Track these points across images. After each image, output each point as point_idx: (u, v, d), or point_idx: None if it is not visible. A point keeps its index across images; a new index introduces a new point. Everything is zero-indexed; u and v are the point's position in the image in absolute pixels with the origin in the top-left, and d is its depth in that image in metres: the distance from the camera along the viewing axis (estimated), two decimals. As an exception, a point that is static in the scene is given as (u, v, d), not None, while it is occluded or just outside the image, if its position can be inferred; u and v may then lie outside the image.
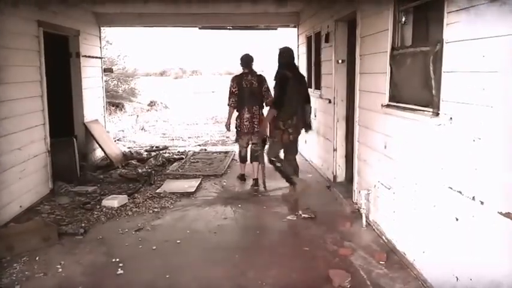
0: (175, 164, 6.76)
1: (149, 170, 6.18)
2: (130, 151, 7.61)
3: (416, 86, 2.89)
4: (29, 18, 4.67)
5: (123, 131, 10.84)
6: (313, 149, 6.44)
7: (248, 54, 5.16)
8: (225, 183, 5.58)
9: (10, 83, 4.22)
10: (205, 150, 8.17)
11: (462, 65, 2.39)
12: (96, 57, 7.04)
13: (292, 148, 4.66)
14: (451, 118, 2.47)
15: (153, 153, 7.58)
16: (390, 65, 3.27)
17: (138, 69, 22.12)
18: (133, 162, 6.79)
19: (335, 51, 4.91)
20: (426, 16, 3.18)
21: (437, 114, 2.60)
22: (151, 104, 18.11)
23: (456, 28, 2.42)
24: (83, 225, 3.97)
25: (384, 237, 3.48)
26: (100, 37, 7.29)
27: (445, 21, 2.51)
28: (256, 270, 3.06)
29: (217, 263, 3.21)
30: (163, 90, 22.28)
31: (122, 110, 15.78)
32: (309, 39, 6.59)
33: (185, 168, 6.49)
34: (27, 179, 4.50)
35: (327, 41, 5.27)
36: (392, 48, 3.25)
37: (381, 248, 3.35)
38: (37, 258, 3.31)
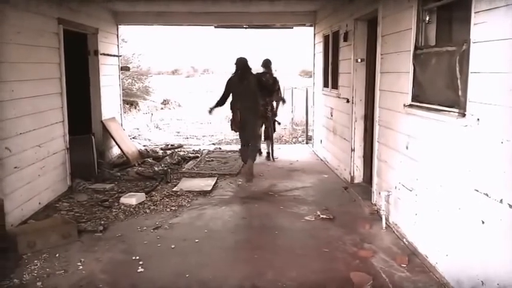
0: (190, 162, 6.79)
1: (165, 168, 6.22)
2: (146, 149, 7.67)
3: (442, 86, 2.83)
4: (50, 15, 4.73)
5: (137, 129, 10.93)
6: (329, 149, 6.39)
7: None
8: (240, 183, 5.58)
9: (31, 80, 4.28)
10: (220, 149, 8.19)
11: (490, 65, 2.33)
12: (114, 56, 7.10)
13: (246, 136, 5.65)
14: (478, 119, 2.41)
15: (168, 152, 7.63)
16: (413, 64, 3.20)
17: (151, 68, 22.30)
18: (149, 160, 6.85)
19: (354, 50, 4.85)
20: (451, 15, 3.12)
21: (464, 115, 2.54)
22: (165, 102, 18.25)
23: (484, 28, 2.36)
24: (102, 222, 4.00)
25: (404, 240, 3.43)
26: (117, 35, 7.36)
27: (473, 21, 2.45)
28: (276, 270, 3.04)
29: (237, 263, 3.20)
30: (176, 88, 22.43)
31: (135, 108, 15.93)
32: (326, 38, 6.53)
33: (200, 167, 6.51)
34: (46, 176, 4.57)
35: (345, 40, 5.21)
36: (416, 48, 3.19)
37: (401, 251, 3.29)
38: (57, 255, 3.35)
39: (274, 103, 6.84)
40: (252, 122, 5.58)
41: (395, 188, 3.59)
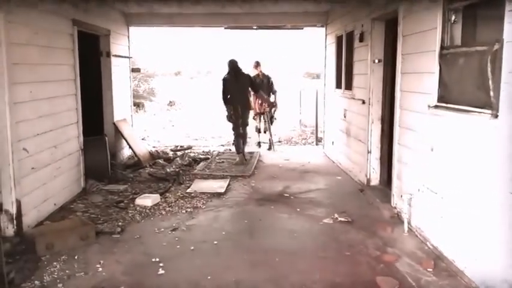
0: (201, 163, 6.75)
1: (177, 170, 6.19)
2: (156, 150, 7.63)
3: (471, 86, 2.78)
4: (65, 16, 4.72)
5: (145, 130, 10.92)
6: (342, 150, 6.33)
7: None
8: (253, 184, 5.53)
9: (48, 82, 4.27)
10: (230, 150, 8.14)
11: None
12: (125, 57, 7.09)
13: (239, 125, 6.64)
14: (512, 120, 2.35)
15: (178, 153, 7.60)
16: (439, 64, 3.15)
17: (156, 69, 22.31)
18: (160, 161, 6.81)
19: (371, 51, 4.80)
20: (478, 15, 3.07)
21: (497, 116, 2.48)
22: (171, 103, 18.25)
23: (518, 27, 2.30)
24: (120, 224, 3.97)
25: (428, 244, 3.36)
26: (128, 37, 7.35)
27: (506, 19, 2.40)
28: (299, 274, 2.99)
29: (258, 266, 3.15)
30: (180, 89, 22.45)
31: (142, 109, 15.94)
32: (339, 38, 6.48)
33: (212, 168, 6.46)
34: (61, 177, 4.55)
35: (361, 40, 5.16)
36: (442, 48, 3.13)
37: (426, 255, 3.23)
38: (76, 257, 3.31)
39: (272, 98, 7.87)
40: (245, 113, 6.65)
41: (419, 190, 3.53)
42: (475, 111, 2.68)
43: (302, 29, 8.47)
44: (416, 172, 3.59)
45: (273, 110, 7.96)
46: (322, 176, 5.95)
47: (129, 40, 7.38)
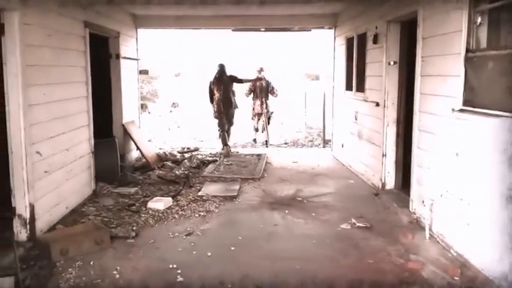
0: (210, 166, 6.68)
1: (186, 172, 6.12)
2: (164, 152, 7.56)
3: (501, 90, 2.71)
4: (77, 18, 4.66)
5: (150, 131, 10.84)
6: (353, 153, 6.25)
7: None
8: (264, 187, 5.46)
9: (61, 84, 4.20)
10: (238, 152, 8.07)
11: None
12: (134, 59, 7.03)
13: (225, 121, 7.76)
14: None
15: (186, 155, 7.53)
16: (465, 67, 3.08)
17: (159, 71, 22.26)
18: (169, 163, 6.74)
19: (386, 53, 4.73)
20: (504, 17, 3.00)
21: (529, 121, 2.42)
22: (174, 105, 18.17)
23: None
24: (135, 228, 3.90)
25: (452, 251, 3.28)
26: (137, 39, 7.29)
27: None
28: (324, 283, 2.91)
29: (279, 274, 3.07)
30: (182, 91, 22.43)
31: (145, 110, 15.87)
32: (349, 40, 6.41)
33: (221, 171, 6.39)
34: (73, 180, 4.48)
35: (375, 42, 5.09)
36: (467, 51, 3.06)
37: (451, 262, 3.15)
38: (92, 262, 3.24)
39: (269, 101, 8.96)
40: (230, 111, 7.72)
41: (442, 196, 3.45)
42: (507, 116, 2.61)
43: (310, 30, 8.41)
44: (439, 177, 3.52)
45: (270, 111, 9.00)
46: (333, 179, 5.87)
47: (137, 42, 7.32)
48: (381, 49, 4.93)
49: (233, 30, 8.23)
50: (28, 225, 3.56)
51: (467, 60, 3.07)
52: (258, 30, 8.42)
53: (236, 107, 7.99)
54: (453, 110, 3.22)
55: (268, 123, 8.95)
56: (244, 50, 18.65)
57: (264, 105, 8.79)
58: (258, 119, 8.98)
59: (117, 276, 3.04)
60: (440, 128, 3.49)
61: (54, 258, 3.25)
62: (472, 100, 3.04)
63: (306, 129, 10.86)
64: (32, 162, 3.59)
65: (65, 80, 4.32)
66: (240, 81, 7.89)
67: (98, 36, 5.67)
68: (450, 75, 3.29)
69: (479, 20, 3.03)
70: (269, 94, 8.85)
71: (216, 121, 7.78)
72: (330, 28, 7.61)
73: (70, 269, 3.13)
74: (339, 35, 7.13)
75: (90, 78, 4.89)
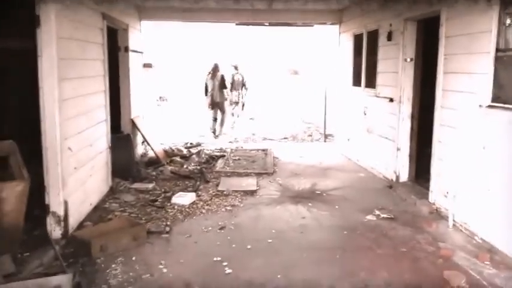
0: (220, 161, 6.71)
1: (199, 167, 6.13)
2: (170, 147, 7.52)
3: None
4: (96, 10, 4.57)
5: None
6: (361, 148, 6.43)
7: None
8: (280, 182, 5.56)
9: (86, 78, 4.14)
10: (242, 147, 8.13)
11: None
12: (139, 52, 6.92)
13: (216, 112, 9.44)
14: None
15: (192, 150, 7.52)
16: (495, 66, 3.26)
17: (163, 64, 21.75)
18: (178, 159, 6.73)
19: (403, 50, 4.89)
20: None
21: None
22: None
23: None
24: (168, 223, 3.92)
25: (476, 238, 3.49)
26: (141, 31, 7.17)
27: None
28: (366, 271, 3.05)
29: (321, 264, 3.19)
30: (181, 85, 22.12)
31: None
32: (357, 37, 6.56)
33: (231, 166, 6.44)
34: (95, 176, 4.43)
35: (389, 39, 5.25)
36: (497, 50, 3.24)
37: (478, 248, 3.36)
38: (133, 258, 3.25)
39: (244, 92, 10.67)
40: (220, 103, 9.34)
41: (466, 187, 3.65)
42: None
43: (312, 26, 8.51)
44: (462, 169, 3.71)
45: (240, 102, 10.66)
46: (344, 173, 6.04)
47: (141, 35, 7.21)
48: (395, 46, 5.09)
49: (237, 24, 8.22)
50: (62, 223, 3.52)
51: (497, 59, 3.25)
52: (262, 24, 8.44)
53: (226, 99, 9.67)
54: (480, 106, 3.40)
55: (242, 109, 10.85)
56: (231, 45, 18.53)
57: (240, 96, 10.68)
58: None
59: (165, 270, 3.07)
60: (465, 123, 3.67)
61: (94, 255, 3.25)
62: (501, 97, 3.22)
63: (303, 123, 11.00)
64: (66, 158, 3.54)
65: (88, 74, 4.25)
66: (225, 86, 9.59)
67: (108, 28, 5.56)
68: (477, 72, 3.47)
69: (508, 21, 3.21)
70: (243, 87, 10.67)
71: (210, 111, 9.35)
72: (332, 24, 7.74)
73: (113, 265, 3.14)
74: (345, 31, 7.26)
75: (107, 71, 4.82)
